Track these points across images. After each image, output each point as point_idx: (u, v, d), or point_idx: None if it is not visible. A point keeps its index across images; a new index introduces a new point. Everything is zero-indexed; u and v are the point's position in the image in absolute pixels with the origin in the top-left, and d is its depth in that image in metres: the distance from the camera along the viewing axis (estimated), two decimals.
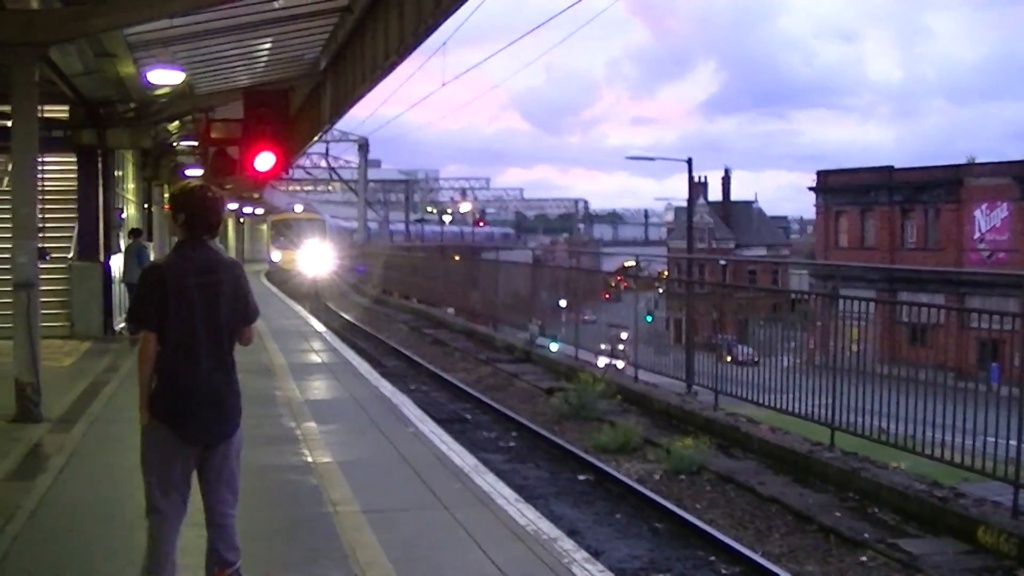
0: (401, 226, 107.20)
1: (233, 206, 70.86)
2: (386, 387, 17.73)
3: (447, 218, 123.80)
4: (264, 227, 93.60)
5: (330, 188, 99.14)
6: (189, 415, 6.31)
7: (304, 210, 75.53)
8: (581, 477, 16.81)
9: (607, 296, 35.79)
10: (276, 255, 67.38)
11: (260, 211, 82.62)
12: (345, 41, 23.49)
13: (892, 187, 68.91)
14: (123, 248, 25.76)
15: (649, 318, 29.46)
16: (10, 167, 24.53)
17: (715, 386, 20.51)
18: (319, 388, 18.13)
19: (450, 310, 43.76)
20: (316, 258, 63.27)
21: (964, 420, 14.38)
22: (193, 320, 6.28)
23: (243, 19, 19.85)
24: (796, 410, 17.81)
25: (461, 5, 15.77)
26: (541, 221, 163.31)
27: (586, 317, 33.41)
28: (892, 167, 71.43)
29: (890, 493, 14.17)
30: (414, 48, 18.93)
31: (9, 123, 17.32)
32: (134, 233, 25.54)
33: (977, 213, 63.29)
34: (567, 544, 8.64)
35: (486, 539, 8.62)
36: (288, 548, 8.50)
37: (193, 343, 6.30)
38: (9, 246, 15.04)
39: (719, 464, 16.89)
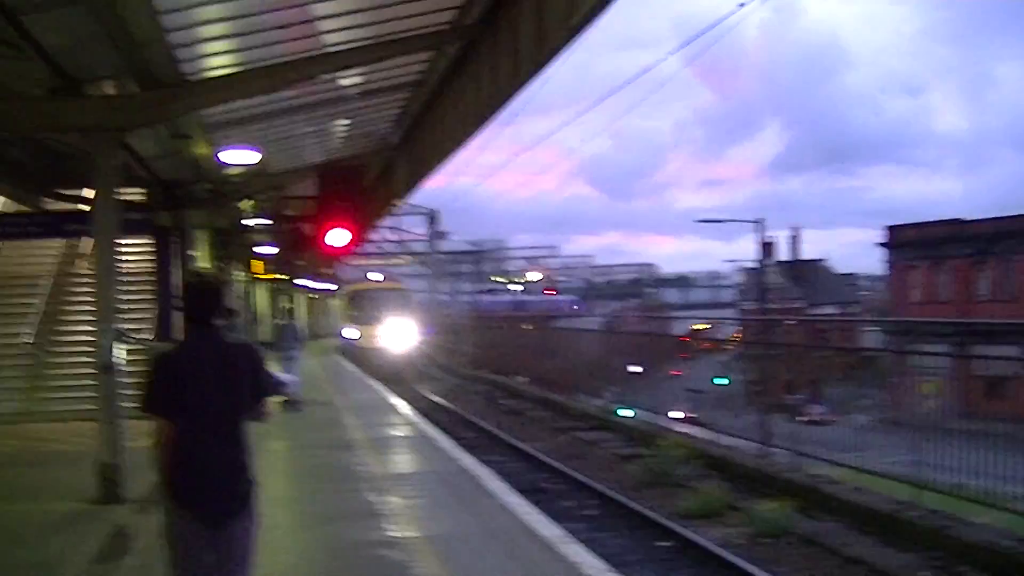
0: (476, 296, 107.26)
1: (305, 282, 71.10)
2: (466, 459, 17.73)
3: (517, 287, 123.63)
4: (335, 302, 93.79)
5: (398, 261, 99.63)
6: (203, 495, 6.51)
7: (385, 279, 68.22)
8: (665, 544, 16.76)
9: (686, 356, 35.60)
10: (352, 332, 58.23)
11: (333, 287, 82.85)
12: (418, 115, 23.69)
13: (963, 239, 68.24)
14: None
15: (723, 381, 29.30)
16: (84, 249, 25.07)
17: (794, 446, 20.38)
18: (400, 462, 18.18)
19: (520, 379, 43.71)
20: (400, 333, 54.75)
21: None
22: (201, 404, 6.51)
23: (316, 97, 20.13)
24: (875, 468, 17.67)
25: (537, 76, 15.86)
26: (611, 287, 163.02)
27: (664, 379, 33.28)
28: (962, 219, 70.77)
29: (977, 550, 14.01)
30: (490, 120, 19.01)
31: (85, 206, 17.66)
32: (229, 313, 25.84)
33: None
34: None
35: None
36: None
37: (202, 426, 6.52)
38: (94, 328, 15.27)
39: (803, 526, 16.78)
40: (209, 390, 6.51)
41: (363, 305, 59.26)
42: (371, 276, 68.31)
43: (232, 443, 6.63)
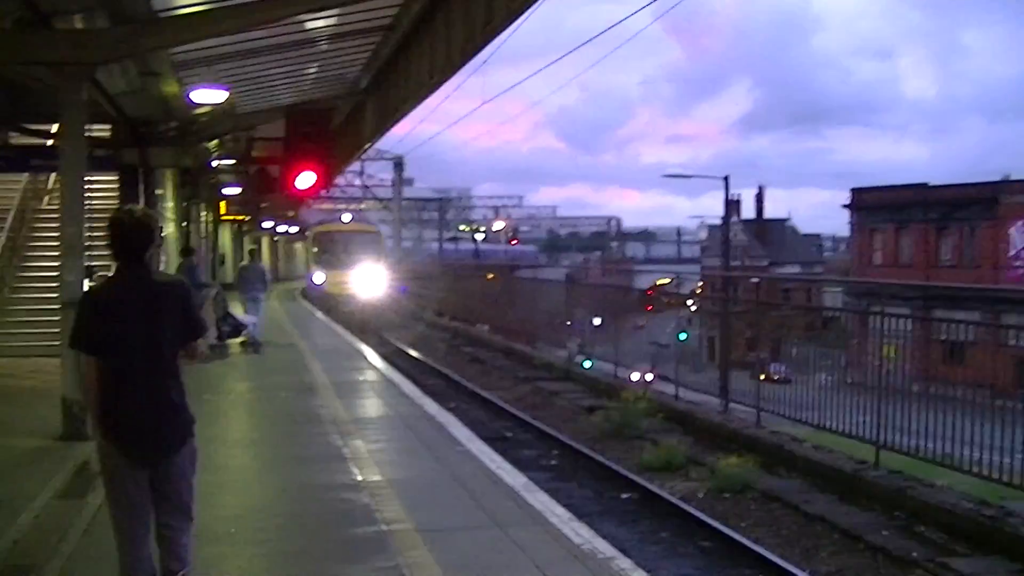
0: (434, 245, 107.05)
1: (268, 224, 70.78)
2: (430, 405, 17.74)
3: (480, 236, 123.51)
4: (299, 245, 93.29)
5: (363, 207, 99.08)
6: (128, 433, 6.43)
7: (353, 220, 63.39)
8: (625, 496, 16.84)
9: (650, 308, 35.75)
10: (319, 276, 54.15)
11: (295, 229, 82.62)
12: (388, 60, 23.57)
13: (927, 204, 68.46)
14: (175, 267, 25.94)
15: (684, 336, 29.40)
16: (52, 185, 24.91)
17: (756, 404, 20.46)
18: (364, 406, 18.18)
19: (485, 327, 43.73)
20: (370, 281, 51.18)
21: (1003, 438, 14.39)
22: (126, 341, 6.42)
23: (286, 38, 19.96)
24: (836, 428, 17.78)
25: (510, 24, 15.83)
26: (574, 239, 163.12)
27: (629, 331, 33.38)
28: (927, 184, 70.98)
29: (938, 512, 14.12)
30: (460, 67, 18.99)
31: (51, 142, 17.48)
32: (185, 251, 25.76)
33: (1013, 230, 62.85)
34: (624, 563, 8.63)
35: (544, 559, 8.60)
36: (344, 568, 8.53)
37: (128, 364, 6.45)
38: (57, 265, 15.16)
39: (764, 483, 16.87)
40: (132, 328, 6.42)
41: (331, 248, 55.28)
42: (343, 218, 63.66)
43: (159, 381, 6.50)
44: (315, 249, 56.95)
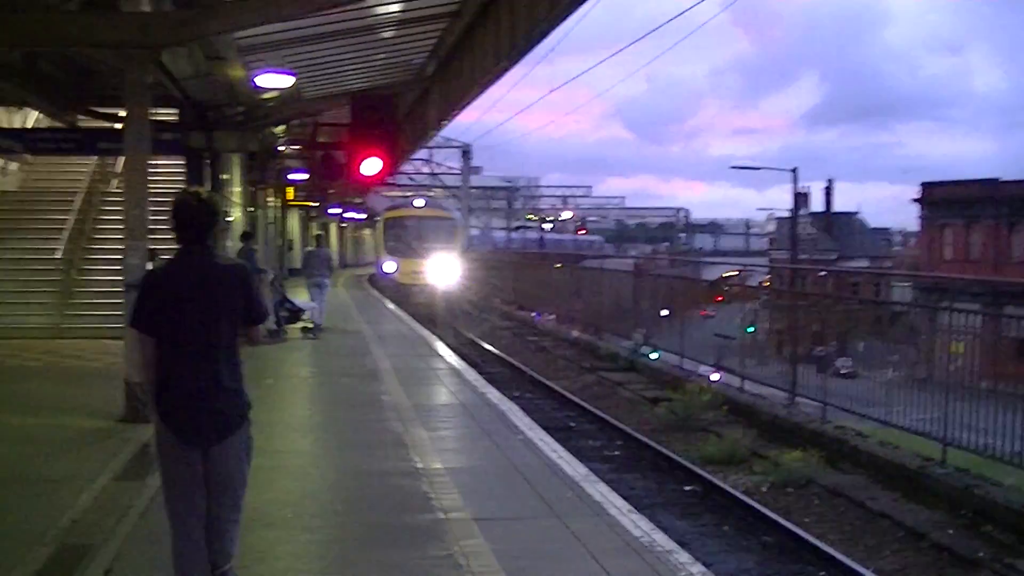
0: (499, 234, 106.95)
1: (335, 211, 70.97)
2: (492, 393, 17.66)
3: (548, 226, 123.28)
4: (367, 232, 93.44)
5: (431, 194, 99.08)
6: (180, 413, 6.41)
7: (427, 205, 55.51)
8: (688, 488, 16.71)
9: (720, 299, 35.48)
10: (390, 264, 49.82)
11: (363, 216, 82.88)
12: (453, 46, 23.54)
13: (998, 200, 67.68)
14: (235, 252, 26.04)
15: (752, 329, 29.14)
16: (121, 168, 25.07)
17: (823, 398, 20.23)
18: (426, 393, 18.12)
19: (551, 316, 43.58)
20: (446, 270, 47.25)
21: None
22: (183, 322, 6.41)
23: (352, 23, 20.00)
24: (903, 424, 17.54)
25: (574, 11, 15.74)
26: (642, 230, 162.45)
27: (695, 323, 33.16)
28: (998, 179, 70.15)
29: (1006, 512, 13.86)
30: (525, 53, 18.97)
31: (120, 125, 17.55)
32: (245, 236, 25.85)
33: None
34: (683, 557, 8.51)
35: (600, 550, 8.51)
36: (400, 555, 8.46)
37: (183, 344, 6.43)
38: (121, 247, 15.22)
39: (828, 478, 16.70)
40: (189, 308, 6.42)
41: (403, 234, 50.91)
42: (416, 202, 55.97)
43: (214, 363, 6.45)
44: (385, 235, 51.88)
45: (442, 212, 54.65)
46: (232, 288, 6.57)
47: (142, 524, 9.11)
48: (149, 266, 14.19)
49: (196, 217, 6.54)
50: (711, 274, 54.21)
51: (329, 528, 9.36)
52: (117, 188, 27.84)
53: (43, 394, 16.71)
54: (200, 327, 6.43)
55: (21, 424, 14.02)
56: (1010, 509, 13.81)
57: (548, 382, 27.62)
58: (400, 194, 77.61)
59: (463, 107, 26.10)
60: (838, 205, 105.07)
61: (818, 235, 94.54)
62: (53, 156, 28.12)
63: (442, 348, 24.83)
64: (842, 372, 23.10)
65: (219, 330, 6.49)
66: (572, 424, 21.95)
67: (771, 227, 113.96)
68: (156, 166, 17.88)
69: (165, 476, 6.55)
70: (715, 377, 24.90)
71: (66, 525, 9.15)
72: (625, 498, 10.73)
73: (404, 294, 45.60)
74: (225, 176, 27.29)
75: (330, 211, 69.78)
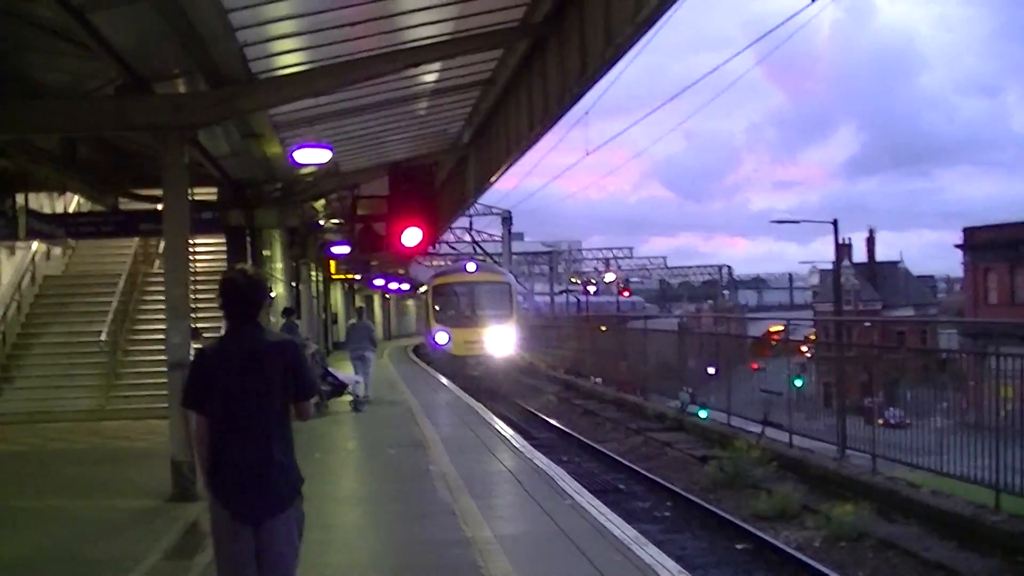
0: (541, 299, 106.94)
1: (379, 282, 71.15)
2: (540, 459, 17.58)
3: (592, 288, 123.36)
4: (410, 303, 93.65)
5: (481, 258, 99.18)
6: (232, 489, 6.45)
7: (479, 270, 50.64)
8: (740, 546, 16.56)
9: (768, 353, 35.25)
10: (442, 336, 45.76)
11: (405, 286, 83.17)
12: (488, 114, 23.67)
13: None
14: (278, 327, 26.12)
15: (799, 381, 28.94)
16: (162, 249, 25.30)
17: (872, 450, 20.05)
18: (473, 461, 18.05)
19: (597, 380, 43.42)
20: (503, 338, 44.90)
21: None
22: (233, 399, 6.47)
23: (387, 95, 20.11)
24: (954, 472, 17.33)
25: (604, 74, 15.81)
26: (686, 288, 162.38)
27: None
28: None
29: None
30: (558, 118, 19.02)
31: (160, 206, 17.72)
32: (287, 312, 25.95)
33: None
34: None
35: None
36: None
37: (234, 421, 6.48)
38: (164, 327, 15.29)
39: (881, 530, 16.51)
40: (238, 385, 6.47)
41: (455, 302, 47.51)
42: (468, 267, 51.14)
43: (265, 439, 6.50)
44: (434, 303, 48.02)
45: (497, 275, 50.93)
46: (281, 363, 6.61)
47: None
48: (196, 345, 14.28)
49: (245, 295, 6.64)
50: (756, 330, 54.00)
51: None
52: (159, 269, 28.06)
53: (90, 476, 16.75)
54: (251, 404, 6.48)
55: (70, 506, 14.07)
56: None
57: (596, 445, 27.51)
58: (443, 263, 77.24)
59: (500, 174, 26.17)
60: (880, 254, 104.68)
61: (862, 285, 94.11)
62: (95, 239, 28.39)
63: (488, 415, 24.76)
64: (891, 422, 22.88)
65: (270, 406, 6.53)
66: (621, 486, 21.82)
67: (814, 280, 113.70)
68: (197, 244, 18.00)
69: (218, 552, 6.58)
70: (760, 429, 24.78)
71: None
72: (676, 559, 10.66)
73: (453, 364, 43.25)
74: (266, 252, 27.43)
75: (374, 283, 69.92)
